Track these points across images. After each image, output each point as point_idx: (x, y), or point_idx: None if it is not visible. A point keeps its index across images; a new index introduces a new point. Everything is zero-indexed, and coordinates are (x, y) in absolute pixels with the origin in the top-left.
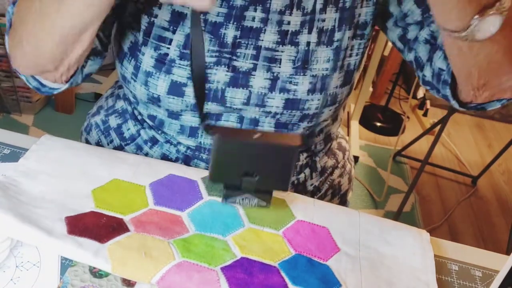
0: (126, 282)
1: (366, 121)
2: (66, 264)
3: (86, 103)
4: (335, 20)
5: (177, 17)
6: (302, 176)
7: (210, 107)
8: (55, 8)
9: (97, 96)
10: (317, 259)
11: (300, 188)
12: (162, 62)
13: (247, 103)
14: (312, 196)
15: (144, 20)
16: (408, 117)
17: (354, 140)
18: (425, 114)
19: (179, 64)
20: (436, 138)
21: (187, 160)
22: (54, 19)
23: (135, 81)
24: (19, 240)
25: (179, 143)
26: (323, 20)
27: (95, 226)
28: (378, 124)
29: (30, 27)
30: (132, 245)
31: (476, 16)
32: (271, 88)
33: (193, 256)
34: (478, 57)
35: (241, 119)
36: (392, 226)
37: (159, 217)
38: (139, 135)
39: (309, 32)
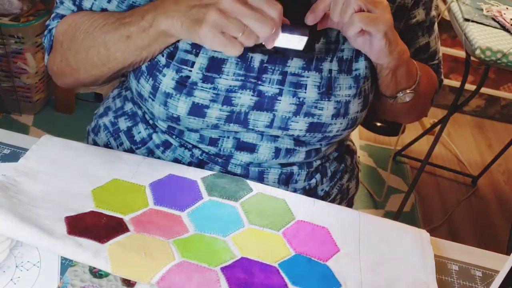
0: (126, 282)
1: (366, 121)
2: (66, 264)
3: (86, 103)
4: (353, 51)
5: None
6: (313, 181)
7: (232, 128)
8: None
9: (97, 96)
10: (317, 259)
11: (311, 194)
12: (183, 85)
13: (270, 126)
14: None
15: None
16: None
17: (354, 140)
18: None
19: (202, 86)
20: (436, 138)
21: (201, 164)
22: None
23: (153, 100)
24: (19, 240)
25: (194, 147)
26: (342, 50)
27: (95, 226)
28: (378, 124)
29: (89, 68)
30: (132, 245)
31: (400, 93)
32: (296, 112)
33: (193, 256)
34: (396, 107)
35: (261, 134)
36: (392, 226)
37: (159, 217)
38: (151, 139)
39: (331, 61)
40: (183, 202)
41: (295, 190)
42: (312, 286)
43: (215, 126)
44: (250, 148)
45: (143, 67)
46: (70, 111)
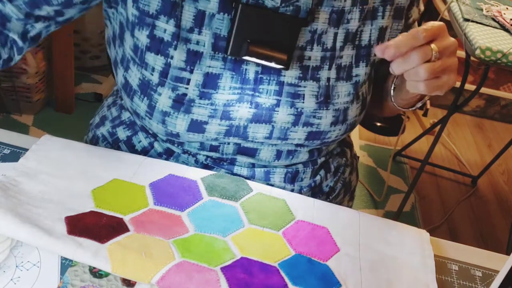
0: (126, 282)
1: (366, 121)
2: (66, 264)
3: (86, 103)
4: (352, 56)
5: (193, 56)
6: (318, 178)
7: (232, 140)
8: None
9: (97, 96)
10: (317, 259)
11: (317, 190)
12: (180, 102)
13: (269, 137)
14: (328, 197)
15: (160, 61)
16: (408, 117)
17: (354, 140)
18: (425, 114)
19: (199, 103)
20: (436, 138)
21: (206, 169)
22: None
23: (150, 118)
24: (19, 240)
25: (198, 153)
26: (341, 57)
27: (95, 226)
28: (378, 124)
29: None
30: (132, 245)
31: (420, 103)
32: (295, 123)
33: (193, 256)
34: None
35: (261, 143)
36: (392, 226)
37: (159, 217)
38: (152, 147)
39: (329, 69)
40: (183, 202)
41: (301, 188)
42: (312, 286)
43: (215, 140)
44: (251, 152)
45: (135, 86)
46: (70, 111)
